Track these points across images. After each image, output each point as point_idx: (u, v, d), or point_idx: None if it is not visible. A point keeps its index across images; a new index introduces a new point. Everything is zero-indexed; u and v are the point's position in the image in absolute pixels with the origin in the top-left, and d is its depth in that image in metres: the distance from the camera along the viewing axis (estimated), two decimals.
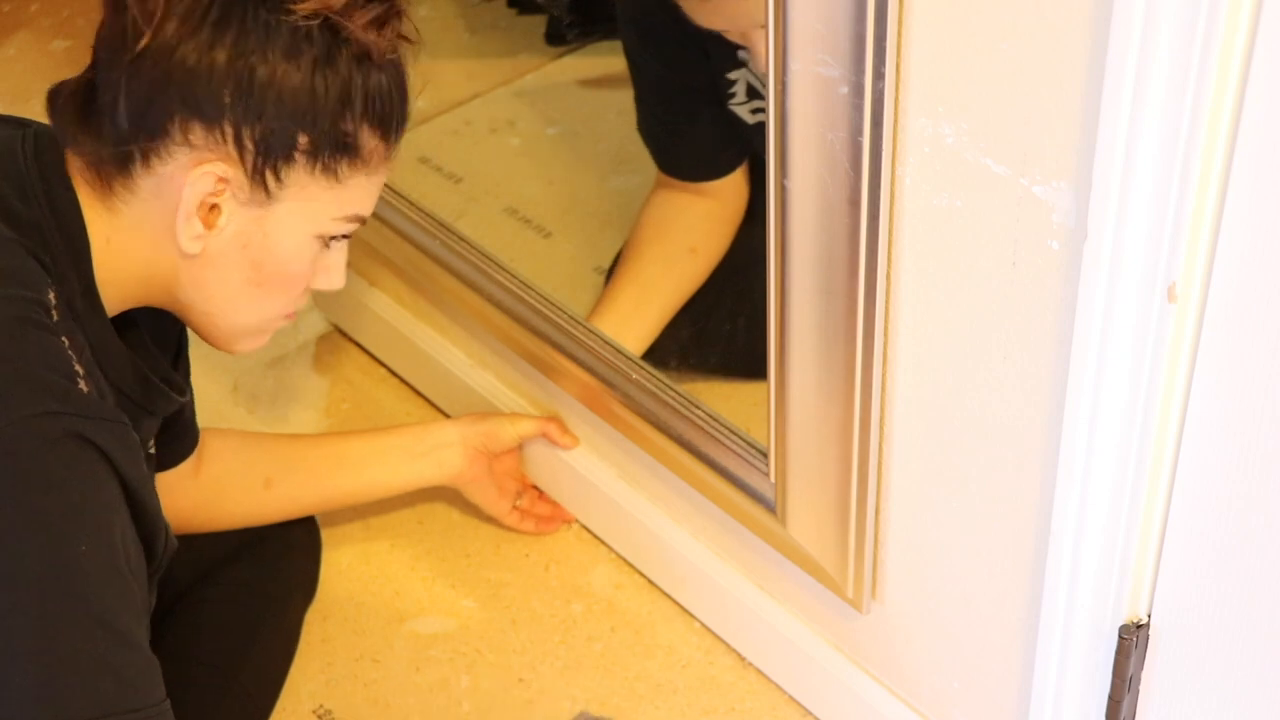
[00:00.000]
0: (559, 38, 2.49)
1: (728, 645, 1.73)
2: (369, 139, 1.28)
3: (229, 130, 1.22)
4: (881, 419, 1.35)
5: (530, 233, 2.14)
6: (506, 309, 1.77)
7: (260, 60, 1.21)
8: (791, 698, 1.67)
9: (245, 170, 1.24)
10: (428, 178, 2.21)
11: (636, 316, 1.85)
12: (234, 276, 1.29)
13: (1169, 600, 1.23)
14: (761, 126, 1.78)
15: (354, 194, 1.30)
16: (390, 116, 1.29)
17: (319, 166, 1.26)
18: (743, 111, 1.82)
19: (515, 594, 1.80)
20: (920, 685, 1.52)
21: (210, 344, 1.36)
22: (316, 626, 1.77)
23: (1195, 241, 1.04)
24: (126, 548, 1.18)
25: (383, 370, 2.09)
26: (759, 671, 1.70)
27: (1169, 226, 1.04)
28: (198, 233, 1.25)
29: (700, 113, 1.85)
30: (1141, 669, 1.29)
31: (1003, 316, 1.20)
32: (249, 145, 1.23)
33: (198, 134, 1.22)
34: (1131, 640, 1.26)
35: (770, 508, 1.52)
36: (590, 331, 1.70)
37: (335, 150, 1.26)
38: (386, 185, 1.91)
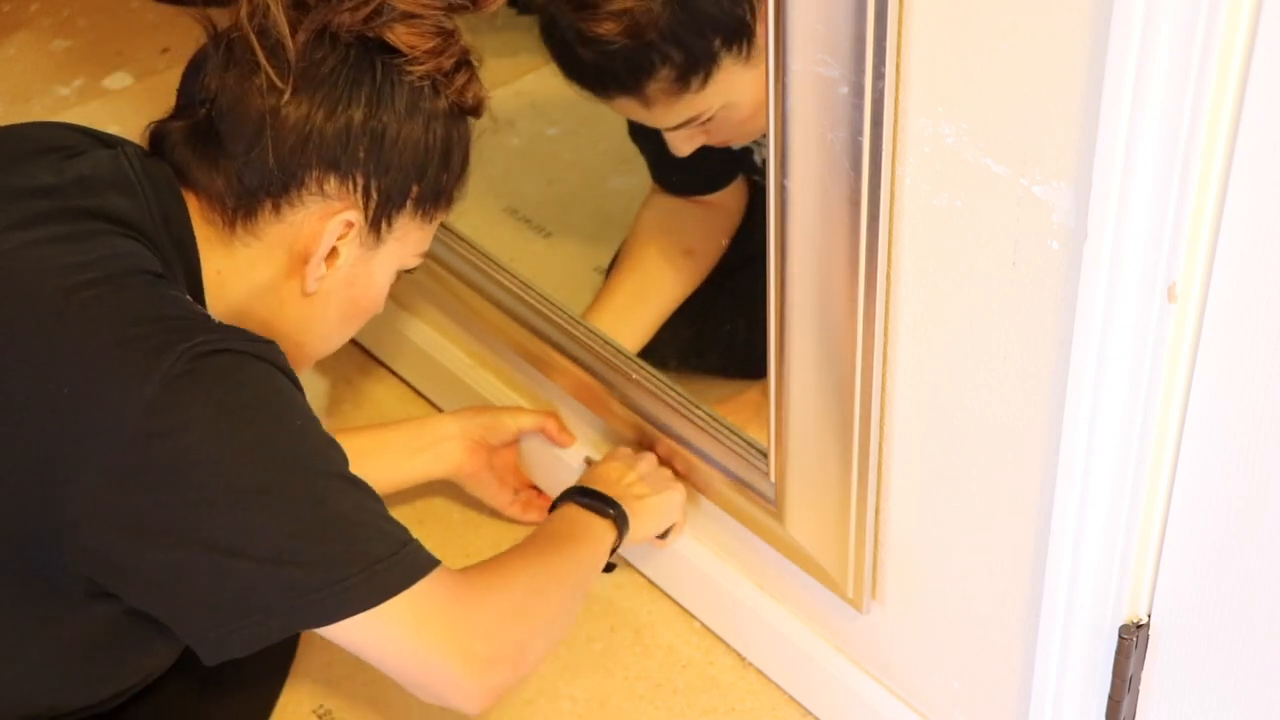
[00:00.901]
0: None
1: (728, 645, 1.73)
2: (457, 186, 1.41)
3: (360, 182, 1.33)
4: (881, 419, 1.35)
5: (530, 233, 2.14)
6: (506, 309, 1.77)
7: (390, 118, 1.32)
8: (791, 698, 1.67)
9: (367, 217, 1.35)
10: None
11: (631, 316, 1.85)
12: (334, 311, 1.39)
13: (1169, 600, 1.23)
14: (753, 147, 1.78)
15: (428, 234, 1.42)
16: (468, 165, 1.42)
17: (420, 213, 1.38)
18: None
19: None
20: (920, 685, 1.52)
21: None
22: None
23: (1195, 241, 1.04)
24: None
25: (383, 370, 2.09)
26: (759, 671, 1.70)
27: (1169, 226, 1.04)
28: (321, 274, 1.35)
29: None
30: (1141, 669, 1.29)
31: (1003, 316, 1.20)
32: (375, 195, 1.34)
33: (332, 185, 1.32)
34: (1131, 640, 1.26)
35: (770, 508, 1.52)
36: (590, 331, 1.70)
37: (436, 198, 1.39)
38: None
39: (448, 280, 1.84)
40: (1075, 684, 1.33)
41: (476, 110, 1.40)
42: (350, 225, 1.34)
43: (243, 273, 1.35)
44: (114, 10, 2.82)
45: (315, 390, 2.07)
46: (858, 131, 1.18)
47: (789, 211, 1.28)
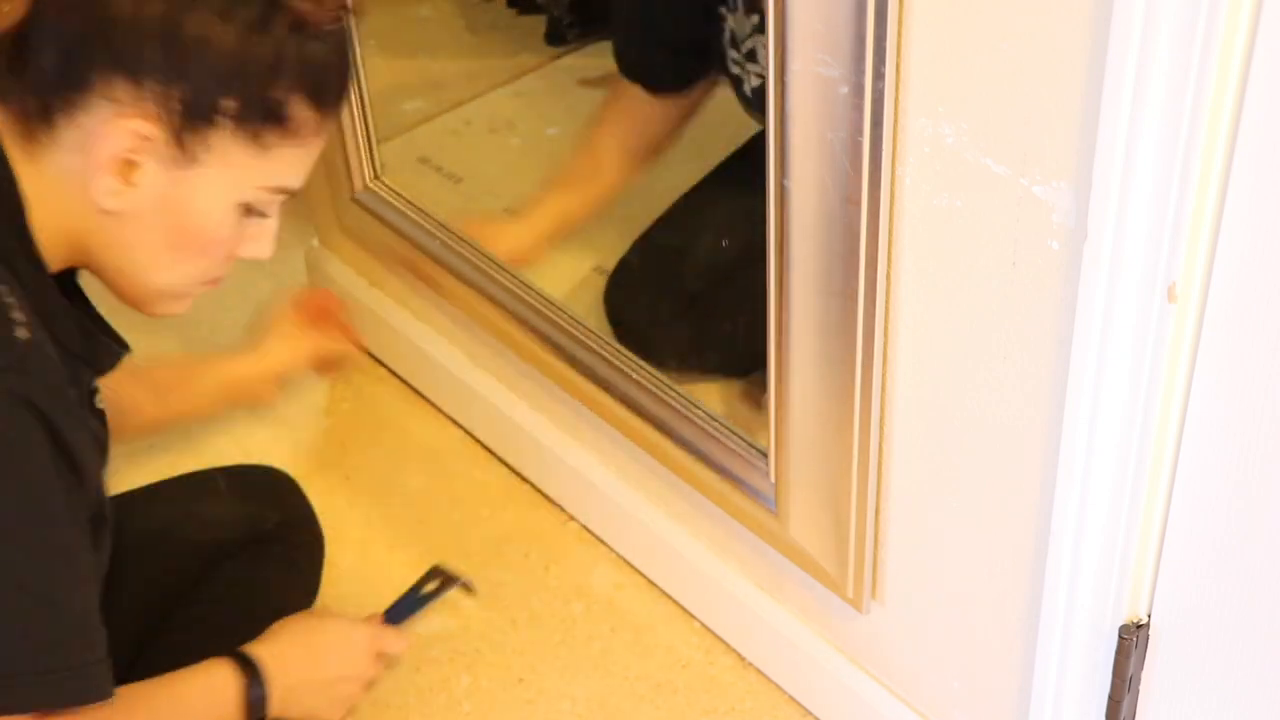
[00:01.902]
0: (559, 38, 2.49)
1: (728, 645, 1.73)
2: (300, 109, 1.23)
3: (153, 87, 1.17)
4: (881, 419, 1.35)
5: None
6: (506, 309, 1.77)
7: (191, 17, 1.16)
8: (791, 698, 1.68)
9: (168, 130, 1.19)
10: (428, 178, 2.21)
11: (580, 192, 1.93)
12: (151, 238, 1.24)
13: (1169, 600, 1.24)
14: (726, 48, 1.81)
15: (281, 165, 1.25)
16: (326, 88, 1.24)
17: (244, 133, 1.21)
18: (736, 71, 1.84)
19: (515, 594, 1.80)
20: (920, 685, 1.52)
21: (127, 304, 1.31)
22: None
23: (1195, 241, 1.04)
24: (69, 510, 1.19)
25: (383, 370, 2.09)
26: (759, 671, 1.70)
27: (1169, 226, 1.04)
28: (114, 189, 1.20)
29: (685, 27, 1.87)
30: (1141, 669, 1.29)
31: (1003, 316, 1.20)
32: (174, 105, 1.18)
33: (121, 89, 1.17)
34: (1131, 640, 1.26)
35: (770, 508, 1.52)
36: (590, 332, 1.70)
37: (263, 118, 1.21)
38: (389, 185, 1.92)
39: (448, 280, 1.84)
40: (1075, 684, 1.33)
41: (322, 21, 1.22)
42: (144, 138, 1.18)
43: (54, 190, 1.22)
44: None
45: (315, 390, 2.07)
46: (858, 131, 1.18)
47: (789, 211, 1.28)
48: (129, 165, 1.19)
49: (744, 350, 1.82)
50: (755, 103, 1.82)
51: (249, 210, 1.26)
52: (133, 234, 1.24)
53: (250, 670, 1.39)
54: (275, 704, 1.40)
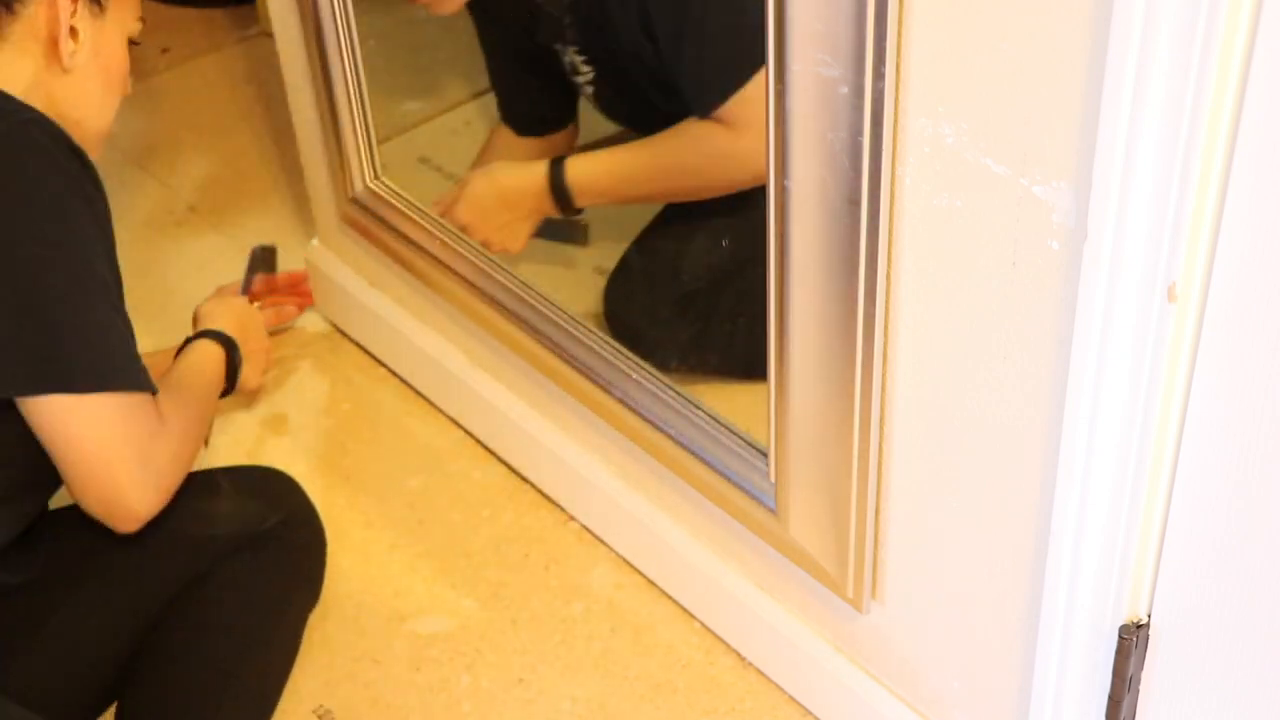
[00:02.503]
0: (558, 38, 2.49)
1: (728, 645, 1.73)
2: None
3: None
4: (881, 419, 1.35)
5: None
6: (506, 309, 1.77)
7: None
8: (791, 698, 1.68)
9: None
10: (428, 178, 2.21)
11: None
12: (94, 84, 1.55)
13: (1169, 600, 1.24)
14: (592, 94, 1.93)
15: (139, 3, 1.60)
16: None
17: None
18: (578, 80, 1.94)
19: (515, 594, 1.80)
20: (920, 685, 1.52)
21: (90, 152, 1.51)
22: (316, 626, 1.77)
23: (1195, 241, 1.04)
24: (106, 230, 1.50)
25: (383, 370, 2.09)
26: (759, 671, 1.70)
27: (1169, 226, 1.04)
28: (71, 49, 1.50)
29: (535, 76, 2.03)
30: (1141, 669, 1.29)
31: (1003, 316, 1.20)
32: None
33: None
34: (1131, 640, 1.26)
35: (770, 508, 1.52)
36: (590, 332, 1.70)
37: None
38: (389, 185, 1.93)
39: (448, 280, 1.84)
40: (1075, 684, 1.33)
41: None
42: (74, 2, 1.49)
43: (9, 78, 1.47)
44: None
45: (315, 390, 2.07)
46: (858, 131, 1.18)
47: (789, 211, 1.28)
48: (73, 30, 1.50)
49: (743, 351, 1.82)
50: (600, 105, 1.98)
51: (131, 42, 1.60)
52: (83, 84, 1.53)
53: (230, 345, 1.80)
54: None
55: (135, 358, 1.48)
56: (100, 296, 1.45)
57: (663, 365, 1.71)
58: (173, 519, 1.54)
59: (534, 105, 2.07)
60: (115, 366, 1.45)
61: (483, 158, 2.09)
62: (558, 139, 2.07)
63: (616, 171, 1.91)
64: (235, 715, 1.60)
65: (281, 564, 1.67)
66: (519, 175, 1.93)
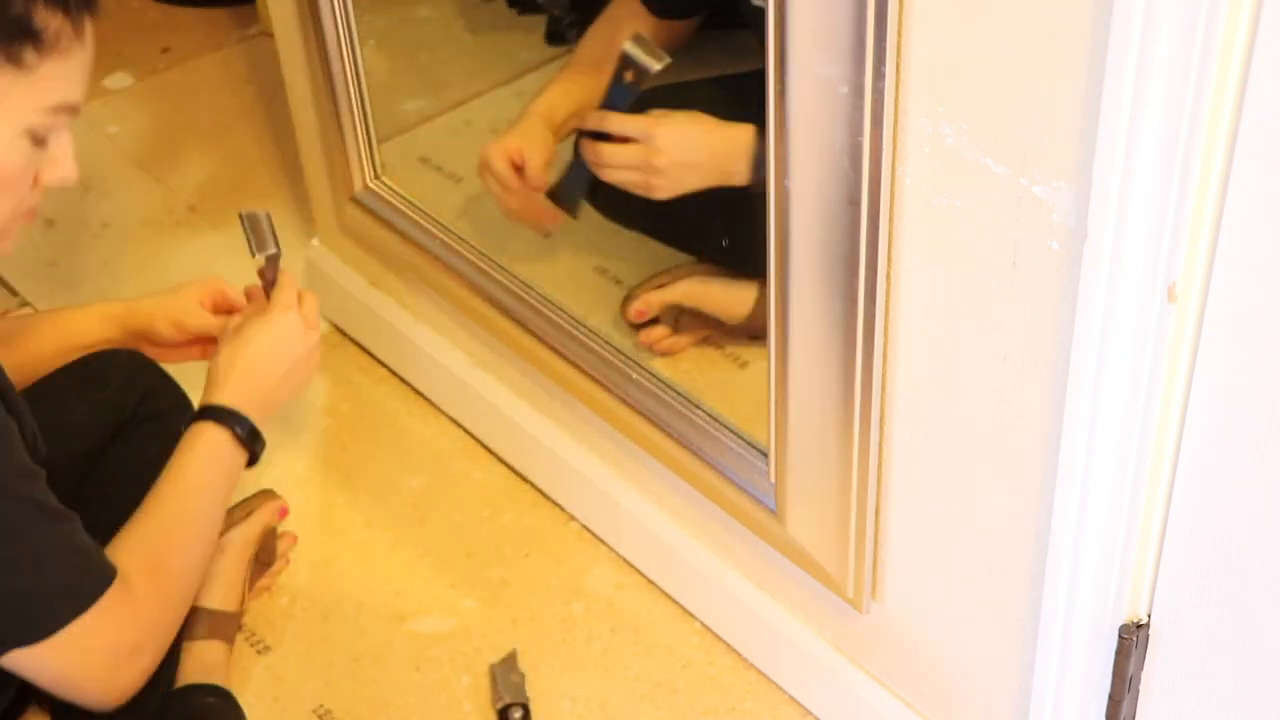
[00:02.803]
0: (559, 38, 2.49)
1: (728, 645, 1.73)
2: (48, 19, 1.21)
3: None
4: (881, 419, 1.35)
5: (530, 233, 2.14)
6: (506, 309, 1.77)
7: None
8: (791, 698, 1.67)
9: None
10: (428, 178, 2.21)
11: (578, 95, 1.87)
12: None
13: (1169, 600, 1.23)
14: None
15: (51, 83, 1.23)
16: None
17: (6, 60, 1.20)
18: None
19: (515, 594, 1.80)
20: (920, 685, 1.52)
21: None
22: (317, 626, 1.77)
23: (1195, 241, 1.04)
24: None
25: (383, 370, 2.09)
26: (759, 671, 1.70)
27: (1169, 226, 1.04)
28: None
29: None
30: (1141, 669, 1.29)
31: (1003, 317, 1.20)
32: None
33: None
34: (1131, 640, 1.26)
35: (770, 508, 1.52)
36: (590, 332, 1.70)
37: (11, 38, 1.19)
38: (389, 185, 1.92)
39: (448, 280, 1.84)
40: (1075, 684, 1.33)
41: None
42: None
43: None
44: (114, 10, 2.82)
45: (315, 390, 2.07)
46: (858, 131, 1.18)
47: (789, 211, 1.28)
48: None
49: (716, 235, 1.85)
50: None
51: (36, 138, 1.25)
52: None
53: (226, 416, 1.52)
54: (260, 420, 1.55)
55: (76, 569, 1.34)
56: (29, 524, 1.32)
57: (631, 224, 1.72)
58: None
59: None
60: (55, 607, 1.32)
61: (601, 29, 1.94)
62: (687, 26, 1.95)
63: None
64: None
65: (157, 438, 1.64)
66: (729, 129, 1.76)
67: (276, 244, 1.66)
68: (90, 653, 1.36)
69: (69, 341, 1.68)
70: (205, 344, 1.72)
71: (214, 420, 1.54)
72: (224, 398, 1.55)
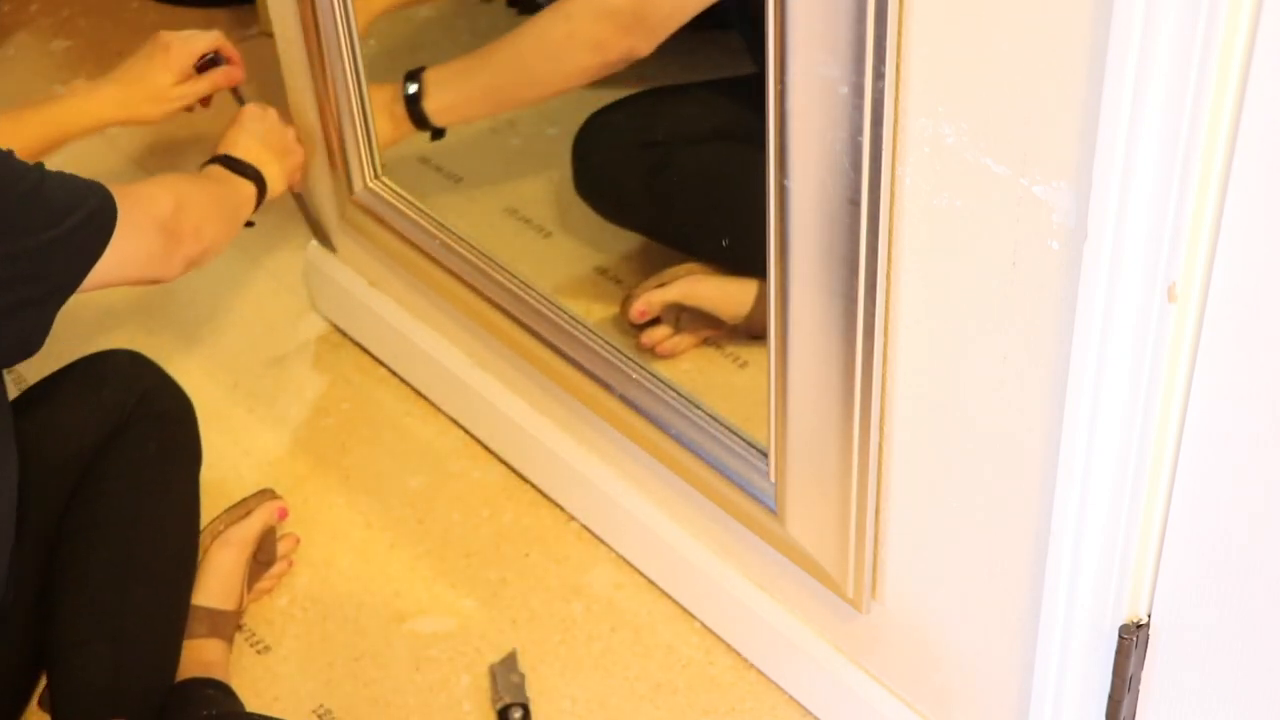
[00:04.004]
0: None
1: (728, 645, 1.73)
2: None
3: None
4: (881, 419, 1.35)
5: (530, 233, 2.14)
6: (506, 309, 1.77)
7: None
8: (791, 698, 1.67)
9: None
10: (428, 178, 2.21)
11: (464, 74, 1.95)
12: None
13: (1169, 600, 1.23)
14: None
15: None
16: None
17: None
18: None
19: (515, 594, 1.80)
20: (920, 685, 1.52)
21: None
22: (317, 626, 1.77)
23: (1195, 241, 1.04)
24: None
25: (383, 370, 2.09)
26: (759, 671, 1.70)
27: (1169, 226, 1.04)
28: None
29: None
30: (1141, 669, 1.29)
31: (1003, 316, 1.20)
32: None
33: None
34: (1131, 640, 1.26)
35: (770, 508, 1.52)
36: (590, 332, 1.70)
37: None
38: (389, 185, 1.92)
39: (448, 280, 1.84)
40: (1075, 684, 1.33)
41: None
42: None
43: None
44: (114, 10, 2.82)
45: (315, 390, 2.07)
46: (858, 131, 1.18)
47: (789, 211, 1.28)
48: None
49: (715, 235, 1.85)
50: None
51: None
52: None
53: (228, 160, 1.78)
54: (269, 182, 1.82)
55: (75, 198, 1.43)
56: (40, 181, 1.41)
57: (623, 222, 1.73)
58: (32, 443, 1.57)
59: None
60: (77, 249, 1.43)
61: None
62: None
63: (476, 59, 1.88)
64: (145, 594, 1.61)
65: (151, 438, 1.68)
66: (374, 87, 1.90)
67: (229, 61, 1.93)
68: (140, 230, 1.50)
69: (61, 132, 1.83)
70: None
71: (214, 162, 1.79)
72: (238, 152, 1.81)
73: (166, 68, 1.89)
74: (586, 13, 1.81)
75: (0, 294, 1.36)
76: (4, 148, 1.40)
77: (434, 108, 1.90)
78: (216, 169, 1.78)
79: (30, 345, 1.41)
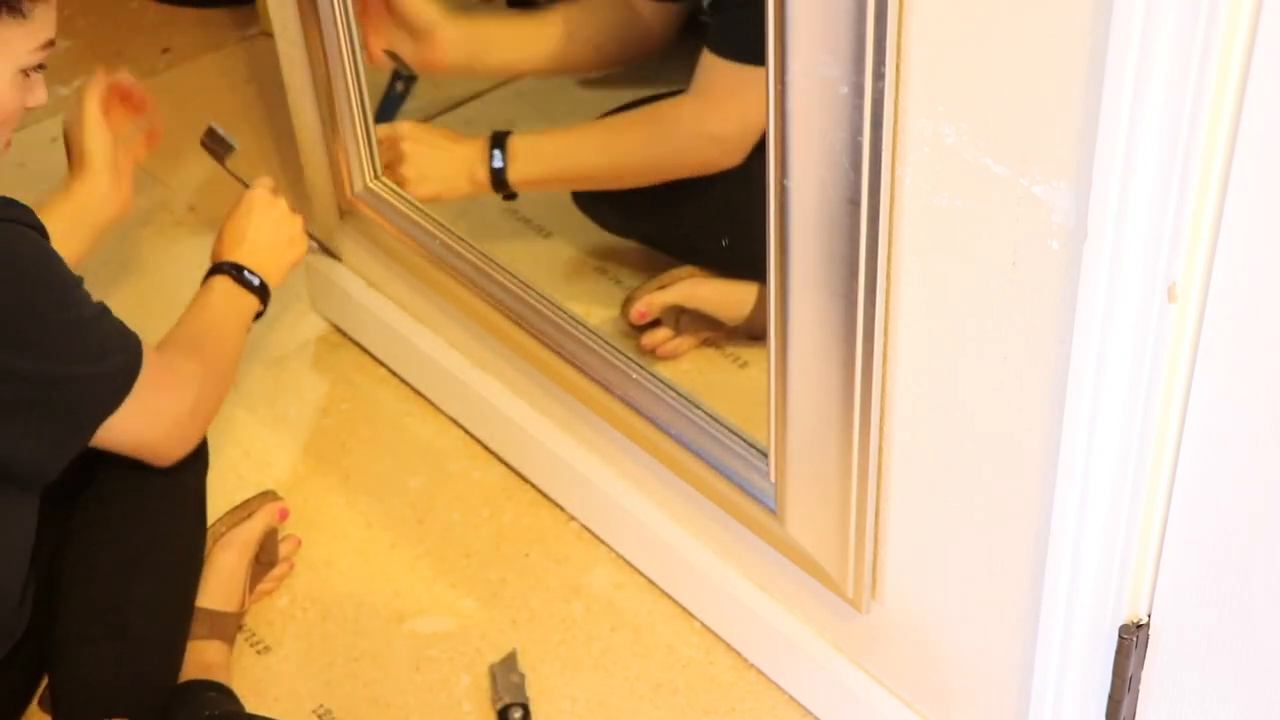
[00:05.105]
0: None
1: (728, 645, 1.73)
2: None
3: None
4: (881, 419, 1.35)
5: (530, 233, 2.14)
6: (506, 309, 1.77)
7: None
8: (791, 698, 1.67)
9: None
10: None
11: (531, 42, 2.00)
12: None
13: (1169, 600, 1.24)
14: None
15: (41, 25, 1.44)
16: None
17: (6, 10, 1.40)
18: None
19: (515, 594, 1.80)
20: (920, 685, 1.52)
21: None
22: (317, 626, 1.77)
23: (1195, 241, 1.04)
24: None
25: (383, 370, 2.09)
26: (759, 671, 1.70)
27: (1169, 226, 1.04)
28: None
29: None
30: (1141, 669, 1.29)
31: (1003, 316, 1.20)
32: None
33: None
34: (1131, 640, 1.26)
35: (770, 508, 1.52)
36: (590, 332, 1.70)
37: None
38: (389, 185, 1.92)
39: (448, 280, 1.84)
40: (1075, 684, 1.33)
41: None
42: None
43: None
44: (114, 10, 2.82)
45: (316, 390, 2.07)
46: (858, 131, 1.18)
47: (789, 211, 1.28)
48: None
49: (709, 240, 1.87)
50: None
51: (26, 73, 1.46)
52: None
53: (229, 266, 1.74)
54: (271, 279, 1.78)
55: (128, 349, 1.50)
56: (93, 322, 1.47)
57: (623, 231, 1.76)
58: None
59: None
60: (120, 382, 1.48)
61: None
62: (677, 12, 2.01)
63: (564, 142, 1.90)
64: (149, 594, 1.61)
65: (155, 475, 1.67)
66: (461, 140, 1.92)
67: (236, 143, 1.97)
68: (158, 414, 1.55)
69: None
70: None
71: (218, 272, 1.74)
72: (226, 256, 1.76)
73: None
74: (689, 134, 1.84)
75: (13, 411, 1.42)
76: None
77: (517, 179, 1.90)
78: (224, 285, 1.74)
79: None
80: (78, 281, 1.47)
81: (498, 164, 1.88)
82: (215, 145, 1.99)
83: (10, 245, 1.40)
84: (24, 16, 1.41)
